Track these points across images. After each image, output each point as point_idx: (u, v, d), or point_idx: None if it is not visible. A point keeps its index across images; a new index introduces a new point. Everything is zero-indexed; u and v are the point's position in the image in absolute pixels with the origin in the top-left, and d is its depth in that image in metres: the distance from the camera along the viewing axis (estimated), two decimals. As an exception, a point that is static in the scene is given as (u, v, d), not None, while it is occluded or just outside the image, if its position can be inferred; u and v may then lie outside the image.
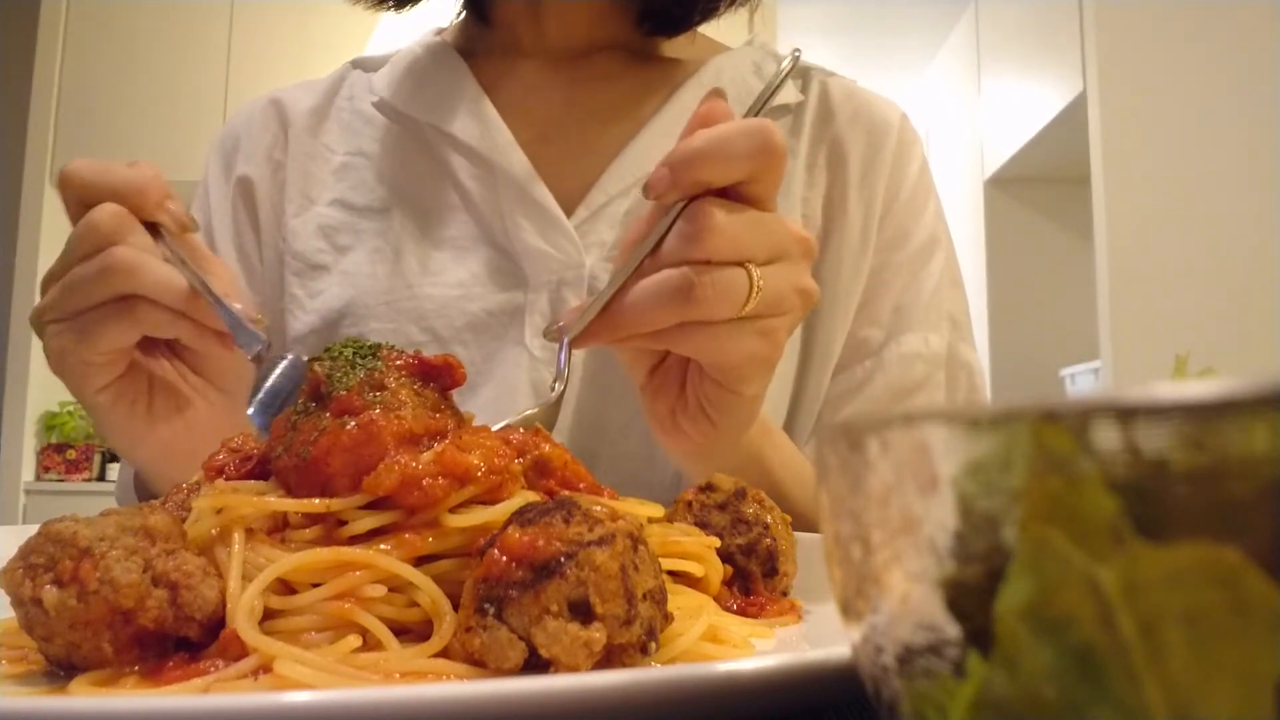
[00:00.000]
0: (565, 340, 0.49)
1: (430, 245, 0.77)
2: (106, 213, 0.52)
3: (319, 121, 0.84)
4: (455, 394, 0.42)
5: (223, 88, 3.29)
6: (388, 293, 0.75)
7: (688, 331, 0.48)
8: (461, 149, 0.78)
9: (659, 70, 0.83)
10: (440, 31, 0.88)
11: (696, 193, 0.48)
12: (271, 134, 0.84)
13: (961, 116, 4.13)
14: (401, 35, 0.89)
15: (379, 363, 0.39)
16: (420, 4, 0.83)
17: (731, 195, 0.48)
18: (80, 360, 0.54)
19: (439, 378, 0.40)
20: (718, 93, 0.50)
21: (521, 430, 0.43)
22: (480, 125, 0.77)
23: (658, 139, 0.77)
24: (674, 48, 0.85)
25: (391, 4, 0.83)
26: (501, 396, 0.72)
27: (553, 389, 0.51)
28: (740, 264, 0.47)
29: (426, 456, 0.36)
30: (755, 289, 0.47)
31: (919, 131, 0.87)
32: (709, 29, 0.86)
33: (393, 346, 0.41)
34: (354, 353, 0.39)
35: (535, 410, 0.51)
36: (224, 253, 0.82)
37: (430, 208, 0.78)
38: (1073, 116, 2.98)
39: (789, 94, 0.82)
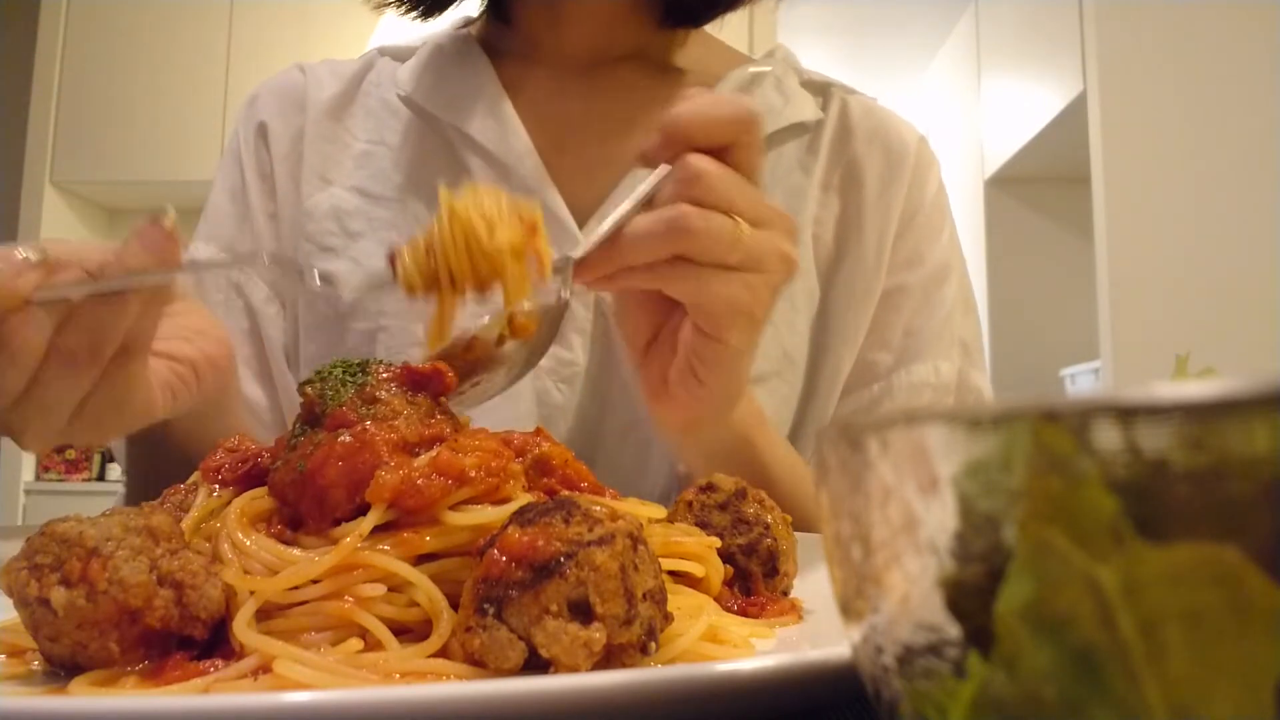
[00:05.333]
0: (570, 259, 0.52)
1: None
2: None
3: (343, 106, 0.83)
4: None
5: (223, 88, 3.29)
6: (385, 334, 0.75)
7: (678, 270, 0.52)
8: (479, 150, 0.78)
9: (677, 82, 0.82)
10: (469, 22, 0.87)
11: (685, 152, 0.51)
12: (294, 101, 0.84)
13: (961, 116, 4.13)
14: (402, 37, 0.89)
15: (368, 377, 0.39)
16: (445, 11, 0.83)
17: (724, 160, 0.52)
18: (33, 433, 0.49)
19: (429, 385, 0.41)
20: (700, 89, 0.54)
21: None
22: (499, 128, 0.77)
23: None
24: (692, 59, 0.84)
25: (418, 12, 0.82)
26: (504, 404, 0.72)
27: (557, 298, 0.53)
28: (728, 215, 0.51)
29: (421, 461, 0.36)
30: (741, 241, 0.51)
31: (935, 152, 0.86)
32: (725, 35, 0.85)
33: (380, 360, 0.41)
34: (343, 371, 0.40)
35: (535, 308, 0.52)
36: (256, 206, 0.82)
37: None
38: (1073, 116, 2.98)
39: (808, 112, 0.82)
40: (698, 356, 0.56)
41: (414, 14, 0.82)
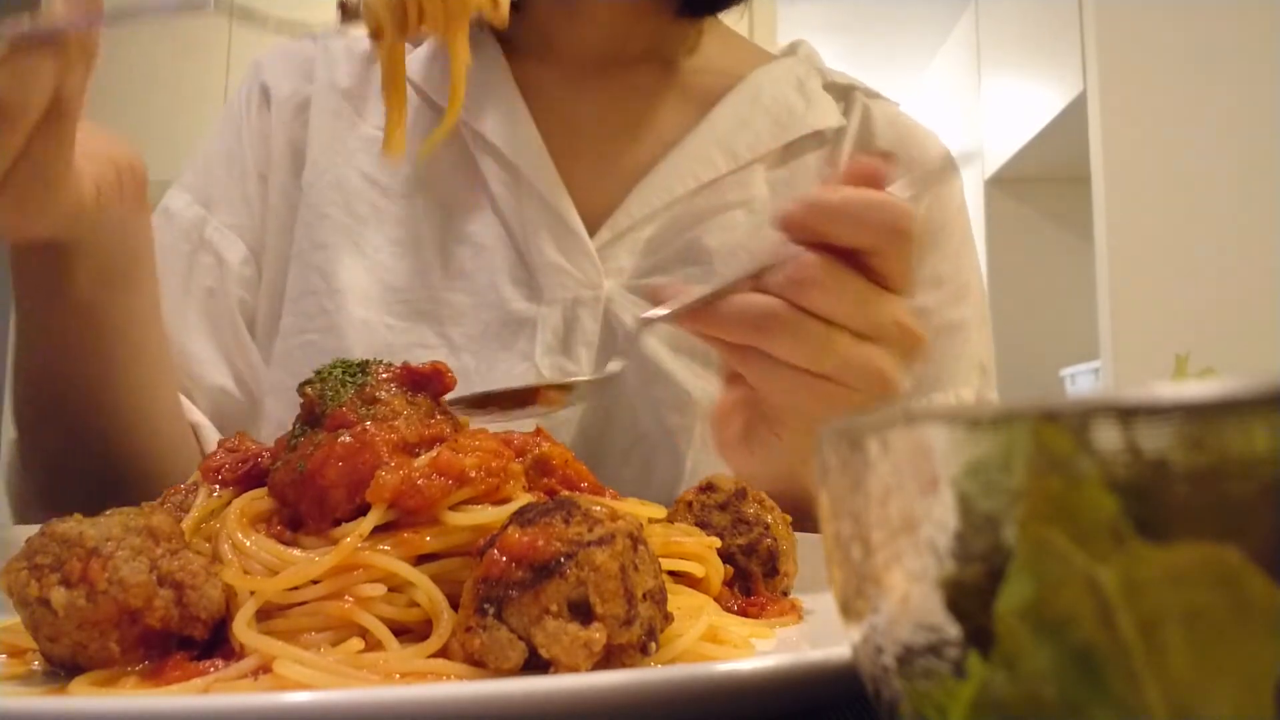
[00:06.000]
0: (643, 319, 0.52)
1: (452, 241, 0.74)
2: None
3: (355, 85, 0.80)
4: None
5: (223, 87, 3.29)
6: (407, 290, 0.73)
7: (752, 357, 0.50)
8: (491, 150, 0.75)
9: (695, 84, 0.79)
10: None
11: (817, 241, 0.49)
12: (301, 68, 0.81)
13: (961, 116, 4.13)
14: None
15: (368, 377, 0.39)
16: None
17: (859, 262, 0.49)
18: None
19: (428, 385, 0.41)
20: (887, 157, 0.52)
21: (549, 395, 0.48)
22: (512, 129, 0.75)
23: (689, 160, 0.75)
24: (709, 57, 0.81)
25: None
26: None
27: (610, 363, 0.53)
28: (830, 324, 0.48)
29: (421, 461, 0.36)
30: (833, 353, 0.49)
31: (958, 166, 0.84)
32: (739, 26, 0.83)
33: (380, 360, 0.41)
34: (343, 372, 0.40)
35: (586, 378, 0.54)
36: (249, 168, 0.78)
37: (454, 201, 0.75)
38: (1073, 116, 2.98)
39: (831, 118, 0.79)
40: (752, 431, 0.55)
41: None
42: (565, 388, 0.52)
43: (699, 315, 0.50)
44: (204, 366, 0.74)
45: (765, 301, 0.48)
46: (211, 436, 0.72)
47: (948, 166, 0.81)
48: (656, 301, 0.52)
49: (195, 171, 0.80)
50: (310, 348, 0.72)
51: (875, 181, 0.50)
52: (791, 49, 0.84)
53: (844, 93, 0.82)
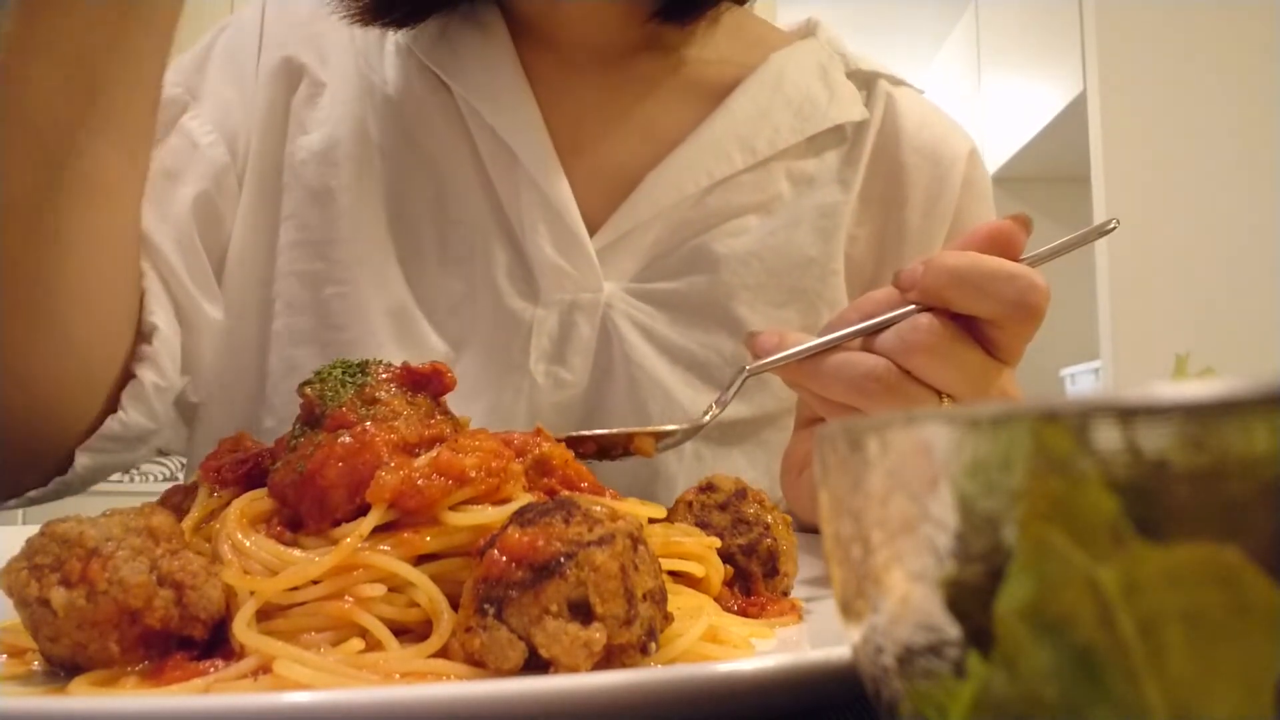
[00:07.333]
0: (745, 369, 0.51)
1: (448, 222, 0.70)
2: None
3: (374, 36, 0.74)
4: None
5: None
6: (407, 269, 0.69)
7: (848, 416, 0.49)
8: (487, 128, 0.70)
9: (704, 74, 0.74)
10: None
11: (936, 305, 0.47)
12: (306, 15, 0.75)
13: (961, 116, 4.13)
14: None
15: (368, 378, 0.39)
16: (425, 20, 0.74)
17: (975, 328, 0.48)
18: None
19: (429, 385, 0.41)
20: (1023, 222, 0.49)
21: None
22: (512, 113, 0.69)
23: (702, 155, 0.70)
24: (719, 45, 0.76)
25: (392, 22, 0.72)
26: (494, 425, 0.67)
27: (708, 411, 0.52)
28: (938, 392, 0.47)
29: (421, 461, 0.36)
30: None
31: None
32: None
33: (380, 360, 0.41)
34: (343, 372, 0.40)
35: (679, 427, 0.53)
36: (248, 69, 0.73)
37: (449, 179, 0.71)
38: (1073, 116, 2.98)
39: (854, 110, 0.74)
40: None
41: (388, 23, 0.70)
42: (657, 435, 0.53)
43: (801, 368, 0.49)
44: (147, 240, 0.64)
45: (870, 362, 0.47)
46: (156, 306, 0.63)
47: (971, 166, 0.77)
48: (758, 350, 0.51)
49: (194, 56, 0.74)
50: (342, 300, 0.68)
51: (1009, 248, 0.48)
52: (809, 29, 0.79)
53: (867, 81, 0.77)
